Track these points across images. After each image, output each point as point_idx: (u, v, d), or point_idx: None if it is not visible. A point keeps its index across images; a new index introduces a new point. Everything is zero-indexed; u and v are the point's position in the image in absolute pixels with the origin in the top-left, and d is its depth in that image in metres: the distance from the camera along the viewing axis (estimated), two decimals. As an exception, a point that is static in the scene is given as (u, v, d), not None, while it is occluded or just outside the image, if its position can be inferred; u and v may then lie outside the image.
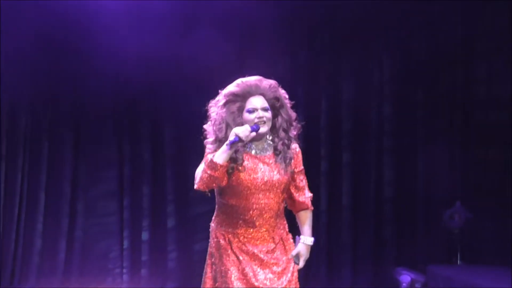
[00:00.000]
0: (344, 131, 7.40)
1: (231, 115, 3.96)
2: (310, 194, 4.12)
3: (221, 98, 3.97)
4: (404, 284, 6.67)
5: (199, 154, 3.89)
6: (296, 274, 4.00)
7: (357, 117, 7.40)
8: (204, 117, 3.91)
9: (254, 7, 7.13)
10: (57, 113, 7.31)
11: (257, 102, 3.97)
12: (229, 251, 3.98)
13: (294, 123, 4.05)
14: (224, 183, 3.92)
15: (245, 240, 4.00)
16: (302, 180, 4.10)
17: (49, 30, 7.04)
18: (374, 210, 7.33)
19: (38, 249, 7.19)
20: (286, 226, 4.10)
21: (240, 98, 3.97)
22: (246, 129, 3.85)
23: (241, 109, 3.96)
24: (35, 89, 7.23)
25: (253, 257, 3.97)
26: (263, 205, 3.97)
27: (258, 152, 4.02)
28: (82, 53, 7.17)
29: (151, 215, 7.39)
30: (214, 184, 3.90)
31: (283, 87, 3.92)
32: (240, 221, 3.99)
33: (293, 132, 4.06)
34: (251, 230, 4.00)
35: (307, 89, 7.36)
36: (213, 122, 3.96)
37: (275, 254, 4.01)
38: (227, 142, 3.82)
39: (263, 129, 3.95)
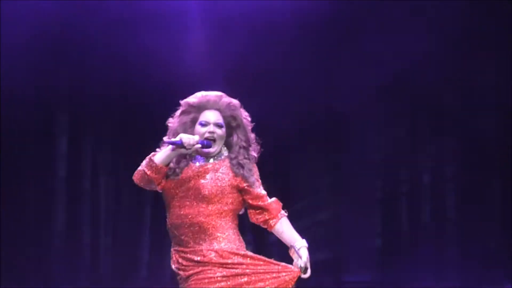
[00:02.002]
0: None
1: (183, 125, 3.85)
2: (277, 202, 3.87)
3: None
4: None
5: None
6: None
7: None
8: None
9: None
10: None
11: (211, 116, 3.85)
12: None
13: (252, 145, 3.91)
14: (158, 188, 3.79)
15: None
16: (264, 198, 3.84)
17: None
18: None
19: (146, 261, 7.33)
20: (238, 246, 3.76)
21: (195, 109, 3.86)
22: (194, 138, 3.74)
23: (194, 121, 3.84)
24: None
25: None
26: (191, 216, 3.75)
27: (201, 162, 3.85)
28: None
29: (254, 229, 7.41)
30: (147, 184, 3.78)
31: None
32: (177, 236, 3.81)
33: (253, 153, 3.90)
34: (187, 250, 3.78)
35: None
36: (168, 132, 3.87)
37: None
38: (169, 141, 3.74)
39: (212, 149, 3.82)
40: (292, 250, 3.77)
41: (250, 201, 3.83)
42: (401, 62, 7.23)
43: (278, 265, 3.75)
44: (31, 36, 6.91)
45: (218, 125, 3.84)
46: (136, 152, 7.07)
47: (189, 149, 3.72)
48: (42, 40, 6.99)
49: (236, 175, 3.80)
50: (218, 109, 3.85)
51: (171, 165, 3.78)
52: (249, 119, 3.91)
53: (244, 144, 3.87)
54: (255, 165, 3.90)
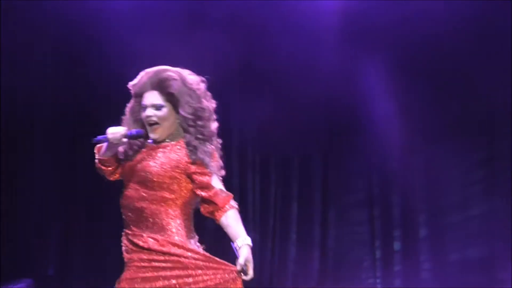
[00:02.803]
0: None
1: (131, 111, 3.55)
2: (227, 193, 3.46)
3: None
4: None
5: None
6: None
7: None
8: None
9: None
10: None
11: (147, 98, 3.47)
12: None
13: (202, 118, 3.47)
14: (107, 176, 3.59)
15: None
16: (211, 186, 3.43)
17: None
18: None
19: (293, 257, 7.29)
20: (183, 238, 3.45)
21: (138, 93, 3.51)
22: (120, 132, 3.44)
23: (140, 107, 3.51)
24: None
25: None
26: (134, 199, 3.47)
27: (156, 143, 3.53)
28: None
29: (402, 225, 7.26)
30: (104, 175, 3.59)
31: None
32: (124, 220, 3.55)
33: (211, 129, 3.49)
34: (129, 233, 3.50)
35: None
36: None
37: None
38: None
39: (154, 134, 3.48)
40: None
41: (195, 191, 3.45)
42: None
43: (223, 263, 3.42)
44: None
45: (156, 107, 3.46)
46: (284, 148, 7.27)
47: (117, 143, 3.47)
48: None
49: (190, 159, 3.44)
50: (157, 88, 3.47)
51: (122, 149, 3.52)
52: (200, 88, 3.49)
53: (190, 122, 3.46)
54: (213, 147, 3.50)
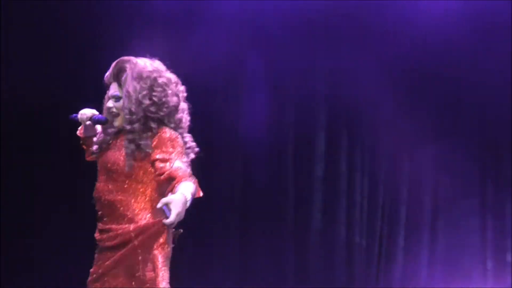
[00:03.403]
0: None
1: (104, 102, 3.59)
2: (187, 170, 3.34)
3: None
4: None
5: None
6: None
7: None
8: None
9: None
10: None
11: (110, 90, 3.55)
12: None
13: (151, 109, 3.43)
14: (87, 157, 3.70)
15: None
16: (166, 167, 3.32)
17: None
18: None
19: (401, 263, 7.17)
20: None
21: (107, 83, 3.59)
22: (87, 114, 3.56)
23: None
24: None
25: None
26: (103, 192, 3.47)
27: (120, 133, 3.53)
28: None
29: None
30: (86, 155, 3.72)
31: None
32: (97, 211, 3.54)
33: (163, 118, 3.45)
34: (100, 219, 3.50)
35: None
36: None
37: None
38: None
39: (115, 122, 3.51)
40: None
41: (156, 178, 3.40)
42: None
43: (149, 222, 3.40)
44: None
45: (115, 97, 3.52)
46: (393, 150, 7.16)
47: (84, 123, 3.60)
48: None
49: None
50: (116, 79, 3.54)
51: (100, 138, 3.59)
52: (155, 78, 3.46)
53: (127, 111, 3.45)
54: (169, 133, 3.43)
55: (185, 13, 6.75)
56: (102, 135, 3.59)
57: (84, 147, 3.73)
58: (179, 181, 3.25)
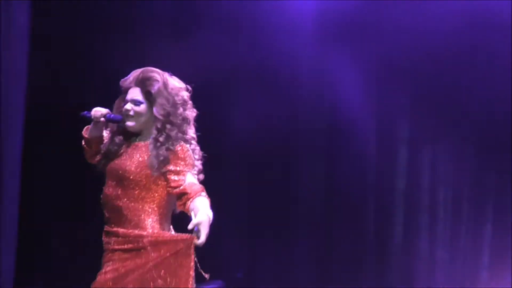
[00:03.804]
0: None
1: (116, 105, 3.79)
2: (199, 186, 3.54)
3: None
4: None
5: None
6: None
7: None
8: None
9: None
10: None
11: (130, 93, 3.74)
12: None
13: (172, 122, 3.65)
14: (91, 160, 3.81)
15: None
16: (180, 182, 3.53)
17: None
18: None
19: (485, 280, 7.07)
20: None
21: (124, 89, 3.78)
22: (101, 111, 3.70)
23: (123, 101, 3.76)
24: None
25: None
26: (111, 197, 3.64)
27: (131, 141, 3.75)
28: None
29: None
30: (86, 157, 3.83)
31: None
32: (104, 214, 3.70)
33: (174, 131, 3.64)
34: (108, 224, 3.66)
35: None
36: None
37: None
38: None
39: (128, 123, 3.69)
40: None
41: (168, 190, 3.59)
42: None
43: (174, 236, 3.54)
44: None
45: (135, 102, 3.71)
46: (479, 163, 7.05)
47: (97, 121, 3.71)
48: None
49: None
50: (139, 85, 3.73)
51: (108, 144, 3.77)
52: (180, 95, 3.71)
53: (159, 124, 3.66)
54: (182, 148, 3.63)
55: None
56: (109, 143, 3.79)
57: (86, 147, 3.85)
58: (193, 198, 3.48)
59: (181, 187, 3.53)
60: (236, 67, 6.96)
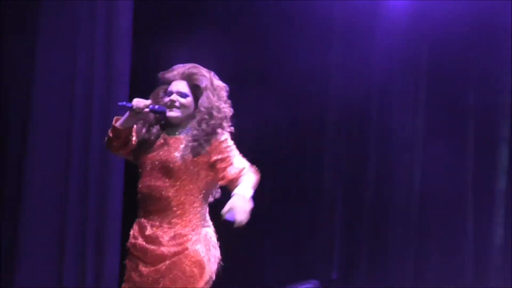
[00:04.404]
0: None
1: (155, 96, 3.86)
2: (243, 166, 3.68)
3: None
4: None
5: None
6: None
7: None
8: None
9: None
10: None
11: (175, 85, 3.84)
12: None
13: (217, 116, 3.78)
14: (117, 151, 3.85)
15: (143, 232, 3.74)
16: (227, 164, 3.69)
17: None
18: None
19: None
20: (202, 226, 3.74)
21: (167, 81, 3.88)
22: (144, 102, 3.75)
23: (165, 92, 3.86)
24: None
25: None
26: (156, 188, 3.72)
27: (170, 133, 3.83)
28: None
29: None
30: (112, 148, 3.85)
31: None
32: (141, 207, 3.79)
33: (219, 125, 3.77)
34: (145, 219, 3.75)
35: None
36: None
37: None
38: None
39: (172, 113, 3.79)
40: None
41: (218, 177, 3.73)
42: None
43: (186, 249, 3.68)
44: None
45: (181, 94, 3.82)
46: None
47: (139, 112, 3.74)
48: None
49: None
50: (186, 79, 3.84)
51: (145, 135, 3.83)
52: (224, 90, 3.87)
53: (206, 116, 3.77)
54: (226, 140, 3.77)
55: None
56: (145, 134, 3.87)
57: (113, 138, 3.85)
58: (239, 178, 3.64)
59: (232, 174, 3.68)
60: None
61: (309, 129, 7.13)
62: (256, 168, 3.73)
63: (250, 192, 3.57)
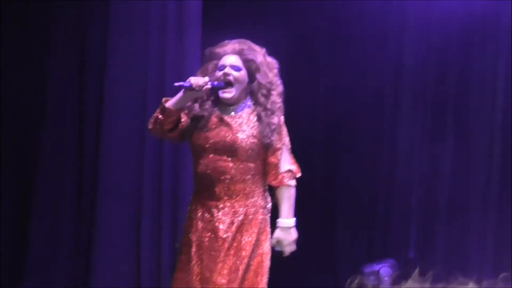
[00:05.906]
0: None
1: (205, 71, 3.78)
2: (290, 168, 3.75)
3: None
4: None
5: None
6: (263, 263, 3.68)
7: None
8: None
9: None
10: None
11: (227, 59, 3.75)
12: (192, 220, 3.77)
13: (275, 91, 3.74)
14: (165, 134, 3.74)
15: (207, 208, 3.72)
16: (278, 156, 3.73)
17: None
18: None
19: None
20: (263, 204, 3.77)
21: (217, 56, 3.79)
22: (204, 79, 3.66)
23: (215, 68, 3.77)
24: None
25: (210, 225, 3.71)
26: (218, 168, 3.67)
27: (224, 112, 3.76)
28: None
29: None
30: (161, 131, 3.72)
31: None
32: (201, 188, 3.74)
33: (278, 101, 3.74)
34: (209, 196, 3.72)
35: None
36: None
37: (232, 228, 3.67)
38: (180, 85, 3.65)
39: (226, 95, 3.72)
40: None
41: (267, 158, 3.74)
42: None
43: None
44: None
45: (234, 68, 3.73)
46: None
47: (199, 90, 3.64)
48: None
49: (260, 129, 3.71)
50: (238, 53, 3.76)
51: (198, 112, 3.73)
52: (276, 66, 3.79)
53: (264, 91, 3.72)
54: (282, 121, 3.76)
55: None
56: (198, 112, 3.77)
57: (163, 118, 3.72)
58: (279, 185, 3.74)
59: (278, 178, 3.76)
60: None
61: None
62: (299, 167, 3.81)
63: (292, 221, 3.72)
